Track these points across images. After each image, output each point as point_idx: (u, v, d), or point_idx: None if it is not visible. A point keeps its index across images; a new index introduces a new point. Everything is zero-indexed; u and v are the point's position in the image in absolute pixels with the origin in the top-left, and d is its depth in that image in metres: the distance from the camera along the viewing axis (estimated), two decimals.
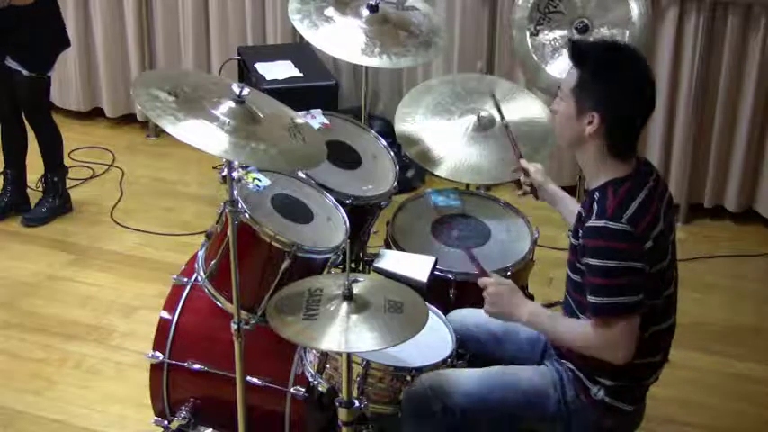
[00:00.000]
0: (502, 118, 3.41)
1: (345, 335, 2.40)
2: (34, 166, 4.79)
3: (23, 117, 4.66)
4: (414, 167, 4.67)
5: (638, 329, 2.47)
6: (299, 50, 4.95)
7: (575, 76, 2.52)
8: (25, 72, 4.43)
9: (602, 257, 2.44)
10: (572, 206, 2.94)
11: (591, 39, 3.63)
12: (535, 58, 3.77)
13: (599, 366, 2.57)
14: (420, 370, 2.70)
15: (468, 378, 2.68)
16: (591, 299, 2.48)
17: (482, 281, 2.67)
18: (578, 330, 2.54)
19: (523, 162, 3.11)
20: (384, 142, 3.52)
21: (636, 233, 2.43)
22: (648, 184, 2.53)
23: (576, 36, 3.69)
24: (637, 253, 2.43)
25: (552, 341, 2.70)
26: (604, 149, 2.52)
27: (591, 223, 2.47)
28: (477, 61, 3.51)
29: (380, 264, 3.00)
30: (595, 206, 2.49)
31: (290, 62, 4.75)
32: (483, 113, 3.50)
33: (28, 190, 4.84)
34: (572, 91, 2.52)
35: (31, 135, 4.72)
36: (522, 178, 3.09)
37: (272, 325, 2.48)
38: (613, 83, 2.50)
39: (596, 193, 2.53)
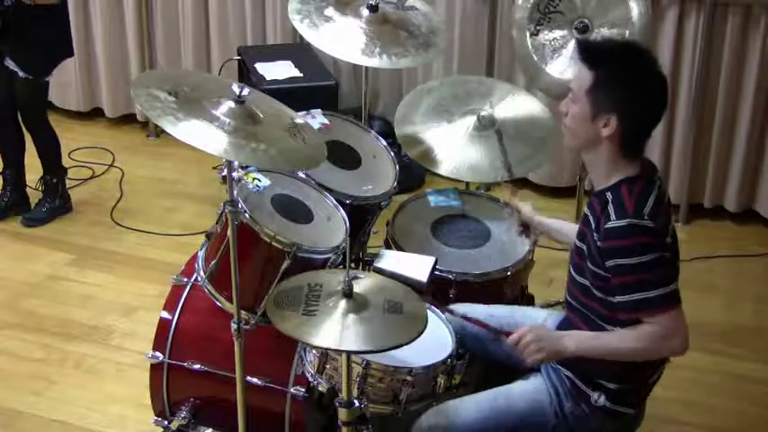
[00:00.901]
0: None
1: (343, 333, 2.39)
2: (34, 166, 4.79)
3: (21, 120, 4.66)
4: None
5: (684, 317, 2.45)
6: (299, 50, 4.95)
7: (588, 77, 2.48)
8: (22, 74, 4.43)
9: (630, 256, 2.42)
10: (562, 225, 3.00)
11: (599, 37, 3.62)
12: (535, 58, 3.77)
13: (601, 370, 2.57)
14: (420, 370, 2.69)
15: (464, 410, 2.66)
16: (624, 298, 2.44)
17: (511, 339, 2.60)
18: (632, 335, 2.47)
19: (515, 201, 3.13)
20: (384, 142, 3.52)
21: (656, 228, 2.43)
22: (657, 184, 2.53)
23: (579, 36, 3.68)
24: (661, 245, 2.44)
25: (612, 357, 2.54)
26: (618, 150, 2.51)
27: (612, 224, 2.44)
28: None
29: (380, 264, 2.99)
30: (611, 207, 2.46)
31: (290, 62, 4.76)
32: (483, 113, 3.50)
33: (28, 191, 4.84)
34: (587, 93, 2.49)
35: (27, 136, 4.72)
36: (517, 217, 3.13)
37: (270, 318, 2.47)
38: (631, 84, 2.47)
39: (608, 193, 2.50)
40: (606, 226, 2.45)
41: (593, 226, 2.50)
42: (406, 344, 2.42)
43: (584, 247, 2.54)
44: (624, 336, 2.49)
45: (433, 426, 2.65)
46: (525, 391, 2.69)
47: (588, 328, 2.58)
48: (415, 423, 2.68)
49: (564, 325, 2.71)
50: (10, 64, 4.41)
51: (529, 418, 2.64)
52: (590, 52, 2.53)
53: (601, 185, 2.55)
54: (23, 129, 4.69)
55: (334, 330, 2.39)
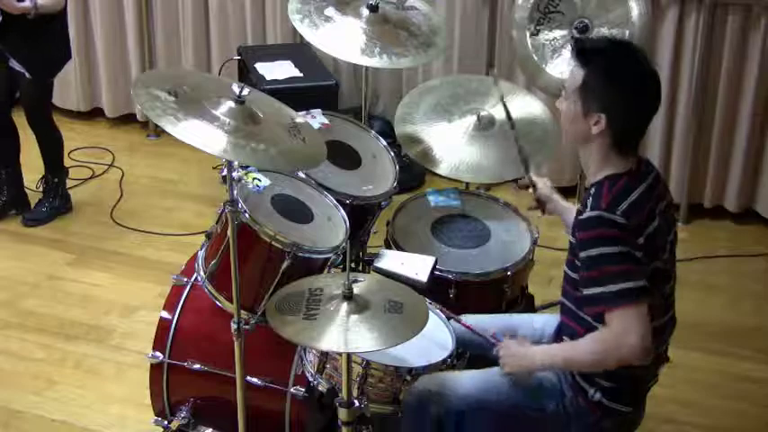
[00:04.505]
0: (512, 127, 3.35)
1: (345, 335, 2.40)
2: (34, 166, 4.79)
3: (26, 119, 4.66)
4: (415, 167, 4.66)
5: (648, 317, 2.43)
6: (299, 50, 4.95)
7: (580, 75, 2.50)
8: (29, 76, 4.43)
9: (597, 246, 2.43)
10: (573, 209, 2.94)
11: (593, 36, 3.62)
12: (535, 58, 3.77)
13: None
14: (420, 370, 2.70)
15: (465, 380, 2.68)
16: (588, 291, 2.46)
17: (495, 351, 2.70)
18: (587, 339, 2.51)
19: (532, 176, 3.09)
20: (384, 142, 3.52)
21: (629, 226, 2.43)
22: (646, 182, 2.53)
23: (577, 35, 3.69)
24: (632, 242, 2.43)
25: (571, 368, 2.61)
26: (609, 148, 2.52)
27: (585, 215, 2.47)
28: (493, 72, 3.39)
29: (380, 264, 3.00)
30: (590, 200, 2.49)
31: (290, 62, 4.76)
32: (483, 113, 3.50)
33: (28, 191, 4.83)
34: (577, 91, 2.51)
35: (29, 136, 4.72)
36: (531, 191, 3.06)
37: (271, 324, 2.47)
38: (619, 84, 2.48)
39: (593, 188, 2.53)
40: (580, 217, 2.49)
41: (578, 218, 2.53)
42: (410, 338, 2.43)
43: (575, 241, 2.56)
44: (579, 346, 2.53)
45: (433, 390, 2.64)
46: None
47: (580, 327, 2.58)
48: (412, 386, 2.68)
49: (558, 330, 2.73)
50: (15, 65, 4.41)
51: (527, 398, 2.64)
52: (582, 51, 2.54)
53: (591, 180, 2.58)
54: (17, 126, 4.69)
55: (337, 333, 2.40)
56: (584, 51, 2.54)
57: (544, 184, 3.06)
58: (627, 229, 2.43)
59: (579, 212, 2.56)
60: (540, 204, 3.06)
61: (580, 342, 2.54)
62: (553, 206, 3.02)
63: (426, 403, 2.63)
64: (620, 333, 2.43)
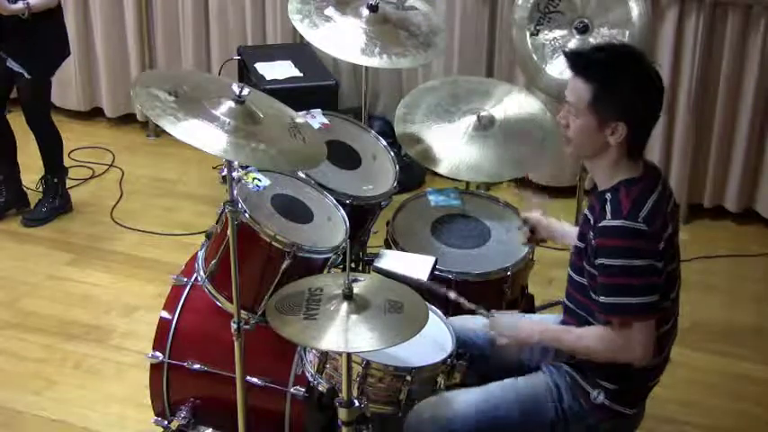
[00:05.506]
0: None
1: (345, 335, 2.40)
2: (34, 166, 4.79)
3: (25, 120, 4.66)
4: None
5: (654, 328, 2.47)
6: (299, 50, 4.95)
7: (587, 90, 2.47)
8: (27, 75, 4.43)
9: (620, 257, 2.43)
10: (570, 229, 2.94)
11: (588, 44, 3.61)
12: (535, 58, 3.77)
13: (601, 369, 2.57)
14: (420, 370, 2.70)
15: (464, 402, 2.67)
16: (606, 299, 2.47)
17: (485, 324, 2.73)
18: (594, 335, 2.54)
19: (524, 214, 3.07)
20: (384, 142, 3.52)
21: (650, 232, 2.43)
22: (658, 187, 2.53)
23: (576, 39, 3.69)
24: (654, 252, 2.44)
25: (569, 352, 2.63)
26: (621, 154, 2.52)
27: (606, 223, 2.45)
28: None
29: (380, 264, 3.00)
30: (608, 206, 2.47)
31: (290, 62, 4.76)
32: (483, 113, 3.50)
33: (29, 191, 4.83)
34: (589, 106, 2.48)
35: (28, 136, 4.72)
36: (524, 228, 3.03)
37: (271, 324, 2.47)
38: (632, 89, 2.47)
39: (608, 193, 2.51)
40: (600, 224, 2.47)
41: (592, 224, 2.52)
42: (410, 338, 2.43)
43: (584, 247, 2.55)
44: (588, 334, 2.56)
45: (433, 415, 2.65)
46: (526, 385, 2.69)
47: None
48: (412, 411, 2.68)
49: None
50: (13, 65, 4.41)
51: (528, 411, 2.65)
52: (583, 65, 2.51)
53: (603, 186, 2.56)
54: (11, 128, 4.69)
55: (337, 333, 2.40)
56: (586, 65, 2.50)
57: (536, 214, 3.03)
58: (649, 236, 2.43)
59: (588, 218, 2.54)
60: (534, 235, 3.02)
61: (586, 331, 2.56)
62: (547, 233, 2.99)
63: (428, 428, 2.63)
64: (628, 342, 2.47)
